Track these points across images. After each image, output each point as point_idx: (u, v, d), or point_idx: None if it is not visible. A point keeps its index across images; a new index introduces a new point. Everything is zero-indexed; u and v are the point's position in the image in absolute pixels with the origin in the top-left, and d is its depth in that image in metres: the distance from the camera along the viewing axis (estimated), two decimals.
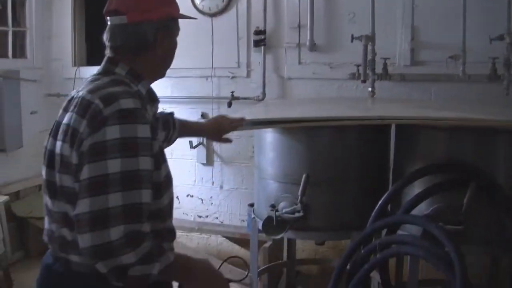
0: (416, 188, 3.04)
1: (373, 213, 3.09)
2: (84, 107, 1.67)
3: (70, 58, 5.56)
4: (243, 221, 4.94)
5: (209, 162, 5.06)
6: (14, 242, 5.00)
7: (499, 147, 2.97)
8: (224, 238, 4.99)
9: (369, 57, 3.93)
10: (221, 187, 5.06)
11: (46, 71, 5.60)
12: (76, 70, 5.40)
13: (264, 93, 4.71)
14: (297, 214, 3.21)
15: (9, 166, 5.17)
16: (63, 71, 5.57)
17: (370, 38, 3.89)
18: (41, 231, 1.87)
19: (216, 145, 5.00)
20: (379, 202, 3.08)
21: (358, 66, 4.11)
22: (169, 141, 2.44)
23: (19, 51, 5.45)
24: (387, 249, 2.97)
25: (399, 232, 3.05)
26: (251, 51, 4.84)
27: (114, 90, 1.69)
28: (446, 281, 2.72)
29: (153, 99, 1.92)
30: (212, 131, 2.71)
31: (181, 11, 1.97)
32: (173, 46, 1.94)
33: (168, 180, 1.83)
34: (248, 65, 4.87)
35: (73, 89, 1.87)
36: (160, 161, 1.76)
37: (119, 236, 1.53)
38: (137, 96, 1.73)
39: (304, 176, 3.17)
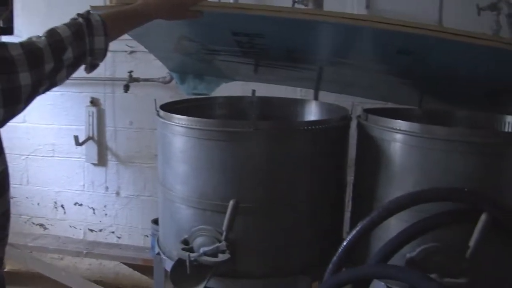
0: (395, 222, 2.08)
1: (333, 260, 2.10)
2: None
3: None
4: (147, 236, 3.90)
5: (101, 162, 3.96)
6: None
7: None
8: None
9: None
10: (118, 193, 3.98)
11: None
12: None
13: None
14: (221, 257, 2.21)
15: None
16: None
17: None
18: None
19: (110, 141, 3.89)
20: (343, 244, 2.09)
21: None
22: (92, 53, 1.82)
23: None
24: None
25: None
26: None
27: None
28: None
29: None
30: (170, 5, 2.02)
31: None
32: None
33: None
34: None
35: None
36: None
37: None
38: None
39: (231, 202, 2.14)
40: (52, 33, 1.74)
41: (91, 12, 1.86)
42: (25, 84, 1.65)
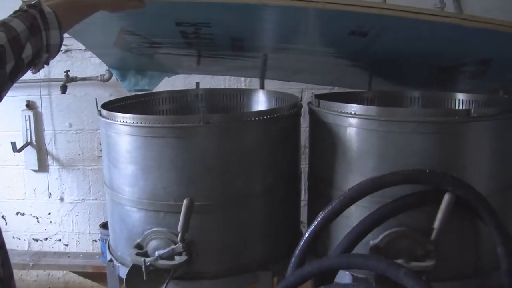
0: (355, 209, 2.02)
1: (295, 253, 2.03)
2: None
3: None
4: (95, 241, 3.75)
5: (42, 167, 3.76)
6: None
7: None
8: None
9: None
10: (62, 199, 3.79)
11: None
12: None
13: (110, 71, 3.45)
14: (179, 259, 2.11)
15: None
16: None
17: None
18: None
19: (50, 145, 3.70)
20: (305, 236, 2.03)
21: None
22: (48, 49, 1.58)
23: None
24: None
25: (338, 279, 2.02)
26: None
27: None
28: None
29: None
30: None
31: None
32: None
33: None
34: None
35: None
36: None
37: None
38: None
39: (185, 201, 2.04)
40: (7, 27, 1.46)
41: (41, 1, 1.60)
42: None
